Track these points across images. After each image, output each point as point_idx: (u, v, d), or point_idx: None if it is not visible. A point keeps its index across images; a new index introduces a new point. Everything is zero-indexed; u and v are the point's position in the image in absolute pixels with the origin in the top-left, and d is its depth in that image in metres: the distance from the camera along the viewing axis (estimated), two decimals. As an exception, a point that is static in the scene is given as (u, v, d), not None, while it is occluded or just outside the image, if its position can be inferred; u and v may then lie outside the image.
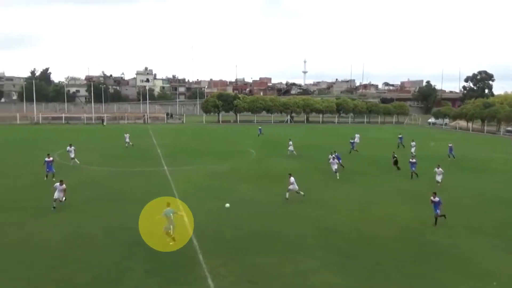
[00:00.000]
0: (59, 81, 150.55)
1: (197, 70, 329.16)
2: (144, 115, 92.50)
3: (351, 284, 13.39)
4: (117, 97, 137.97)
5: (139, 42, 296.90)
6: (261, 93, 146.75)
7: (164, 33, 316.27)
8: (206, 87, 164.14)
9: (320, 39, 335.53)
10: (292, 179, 23.66)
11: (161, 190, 24.93)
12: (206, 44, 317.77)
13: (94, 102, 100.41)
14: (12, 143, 49.09)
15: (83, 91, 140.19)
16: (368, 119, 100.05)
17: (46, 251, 15.51)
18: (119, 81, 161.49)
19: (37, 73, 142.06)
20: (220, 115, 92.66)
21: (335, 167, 30.03)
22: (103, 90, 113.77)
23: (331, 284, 13.42)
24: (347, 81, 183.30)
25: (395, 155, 33.76)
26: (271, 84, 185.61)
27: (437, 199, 19.18)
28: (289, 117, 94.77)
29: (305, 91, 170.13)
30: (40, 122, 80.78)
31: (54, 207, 20.62)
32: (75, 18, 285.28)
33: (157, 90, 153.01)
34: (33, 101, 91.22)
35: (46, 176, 27.62)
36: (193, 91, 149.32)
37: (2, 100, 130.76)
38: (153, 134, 61.23)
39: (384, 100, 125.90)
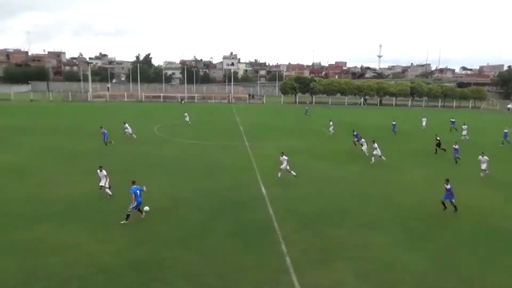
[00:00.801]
0: (158, 65, 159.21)
1: (277, 55, 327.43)
2: (228, 96, 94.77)
3: (421, 263, 12.80)
4: (206, 79, 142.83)
5: (226, 29, 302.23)
6: (336, 77, 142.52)
7: (248, 20, 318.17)
8: (285, 70, 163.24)
9: (397, 23, 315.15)
10: (283, 157, 22.42)
11: (243, 163, 25.64)
12: (285, 29, 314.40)
13: (186, 83, 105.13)
14: (123, 116, 53.29)
15: (177, 74, 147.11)
16: (443, 103, 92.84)
17: (153, 208, 16.80)
18: (208, 64, 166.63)
19: (141, 58, 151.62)
20: (297, 96, 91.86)
21: (376, 152, 26.96)
22: (195, 72, 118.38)
23: (400, 260, 12.95)
24: (422, 65, 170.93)
25: (438, 138, 31.56)
26: (346, 68, 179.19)
27: (449, 186, 17.29)
28: (362, 99, 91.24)
29: (379, 75, 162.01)
30: (143, 100, 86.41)
31: (110, 195, 18.29)
32: (171, 8, 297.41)
33: (240, 73, 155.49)
34: (137, 82, 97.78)
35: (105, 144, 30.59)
36: (273, 74, 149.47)
37: (114, 81, 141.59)
38: (236, 112, 62.62)
39: (460, 85, 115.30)
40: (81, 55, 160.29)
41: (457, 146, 27.99)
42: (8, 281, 11.06)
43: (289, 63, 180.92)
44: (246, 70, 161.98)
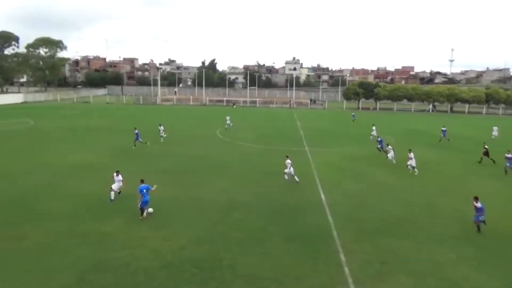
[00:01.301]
0: (223, 70, 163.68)
1: (340, 59, 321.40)
2: (290, 100, 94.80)
3: (491, 282, 11.80)
4: (268, 84, 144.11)
5: (289, 34, 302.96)
6: (403, 82, 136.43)
7: (311, 25, 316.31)
8: (348, 75, 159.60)
9: (471, 25, 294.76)
10: (287, 161, 21.95)
11: (302, 168, 25.45)
12: (349, 33, 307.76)
13: (249, 87, 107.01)
14: (188, 119, 55.57)
15: (240, 78, 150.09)
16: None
17: (213, 209, 17.33)
18: (271, 69, 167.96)
19: (206, 63, 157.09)
20: (360, 102, 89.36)
21: (410, 163, 25.14)
22: (257, 77, 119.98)
23: (469, 279, 12.03)
24: (500, 70, 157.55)
25: (486, 146, 29.13)
26: (413, 73, 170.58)
27: (479, 204, 15.53)
28: (431, 106, 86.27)
29: (450, 80, 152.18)
30: (207, 103, 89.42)
31: (111, 199, 18.11)
32: (236, 14, 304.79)
33: (302, 77, 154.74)
34: (202, 86, 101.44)
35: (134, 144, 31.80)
36: (335, 79, 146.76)
37: (181, 85, 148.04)
38: (297, 117, 62.41)
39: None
40: (152, 61, 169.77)
41: (510, 155, 25.70)
42: (80, 268, 11.99)
43: (353, 68, 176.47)
44: (308, 75, 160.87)
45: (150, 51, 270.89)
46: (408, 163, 25.27)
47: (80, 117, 54.35)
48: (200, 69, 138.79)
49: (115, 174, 18.94)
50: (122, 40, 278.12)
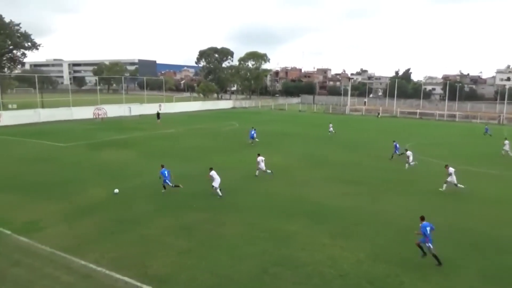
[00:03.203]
0: (418, 80, 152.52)
1: None
2: (499, 116, 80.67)
3: None
4: (472, 96, 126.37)
5: (500, 38, 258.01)
6: None
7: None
8: None
9: None
10: (259, 158, 24.38)
11: (509, 197, 21.39)
12: None
13: (448, 100, 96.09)
14: (375, 130, 54.09)
15: (438, 89, 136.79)
16: None
17: (394, 227, 16.49)
18: (476, 79, 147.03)
19: (400, 73, 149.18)
20: None
21: (450, 179, 21.74)
22: (458, 88, 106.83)
23: None
24: None
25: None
26: None
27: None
28: None
29: None
30: (397, 115, 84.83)
31: (219, 196, 19.73)
32: (432, 20, 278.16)
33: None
34: (393, 97, 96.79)
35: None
36: None
37: (371, 95, 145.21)
38: (508, 135, 52.55)
39: None
40: (344, 71, 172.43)
41: None
42: (265, 261, 13.21)
43: None
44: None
45: (343, 61, 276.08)
46: (448, 179, 21.86)
47: (276, 123, 59.72)
48: (392, 79, 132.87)
49: (211, 170, 20.22)
50: (318, 52, 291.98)
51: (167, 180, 20.46)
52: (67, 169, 26.05)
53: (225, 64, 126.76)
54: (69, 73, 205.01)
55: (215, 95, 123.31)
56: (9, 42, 57.63)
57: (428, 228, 13.21)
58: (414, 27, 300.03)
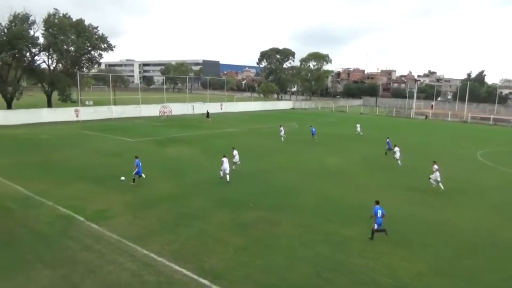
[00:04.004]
0: (492, 83, 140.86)
1: None
2: None
3: None
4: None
5: None
6: None
7: None
8: None
9: None
10: (234, 151, 25.66)
11: None
12: None
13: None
14: (443, 136, 50.92)
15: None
16: None
17: (462, 240, 15.45)
18: None
19: (473, 75, 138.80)
20: None
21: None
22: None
23: None
24: None
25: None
26: None
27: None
28: None
29: None
30: (468, 120, 79.11)
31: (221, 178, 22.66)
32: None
33: None
34: (464, 101, 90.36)
35: None
36: None
37: (439, 99, 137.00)
38: None
39: None
40: (410, 72, 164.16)
41: None
42: (320, 265, 13.00)
43: None
44: None
45: (409, 63, 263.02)
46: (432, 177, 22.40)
47: (336, 125, 58.54)
48: (464, 81, 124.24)
49: (224, 157, 22.97)
50: (383, 52, 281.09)
51: (139, 171, 21.54)
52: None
53: (286, 65, 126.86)
54: (139, 72, 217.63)
55: (275, 95, 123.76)
56: (88, 44, 62.39)
57: (379, 211, 15.16)
58: (489, 26, 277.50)
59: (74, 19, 61.74)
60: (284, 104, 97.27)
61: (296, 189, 21.94)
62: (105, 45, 64.98)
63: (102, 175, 23.70)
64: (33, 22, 56.36)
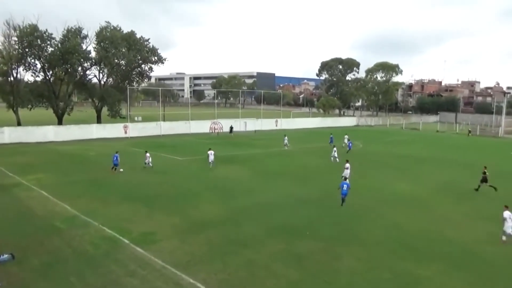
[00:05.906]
0: None
1: None
2: None
3: None
4: None
5: None
6: None
7: None
8: None
9: None
10: (210, 151, 33.49)
11: None
12: None
13: None
14: None
15: None
16: None
17: None
18: None
19: None
20: None
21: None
22: None
23: None
24: None
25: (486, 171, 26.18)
26: None
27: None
28: None
29: None
30: None
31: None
32: None
33: None
34: None
35: None
36: None
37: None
38: None
39: None
40: (498, 84, 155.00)
41: None
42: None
43: None
44: None
45: (496, 73, 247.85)
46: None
47: (407, 144, 56.36)
48: None
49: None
50: (465, 60, 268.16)
51: (116, 163, 30.78)
52: (182, 182, 28.61)
53: (349, 77, 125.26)
54: (190, 86, 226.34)
55: (337, 110, 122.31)
56: (139, 57, 66.34)
57: (345, 186, 22.45)
58: None
59: (125, 32, 66.16)
60: (346, 121, 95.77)
61: (361, 218, 21.25)
62: (156, 57, 68.65)
63: (149, 195, 24.68)
64: (86, 36, 61.26)
